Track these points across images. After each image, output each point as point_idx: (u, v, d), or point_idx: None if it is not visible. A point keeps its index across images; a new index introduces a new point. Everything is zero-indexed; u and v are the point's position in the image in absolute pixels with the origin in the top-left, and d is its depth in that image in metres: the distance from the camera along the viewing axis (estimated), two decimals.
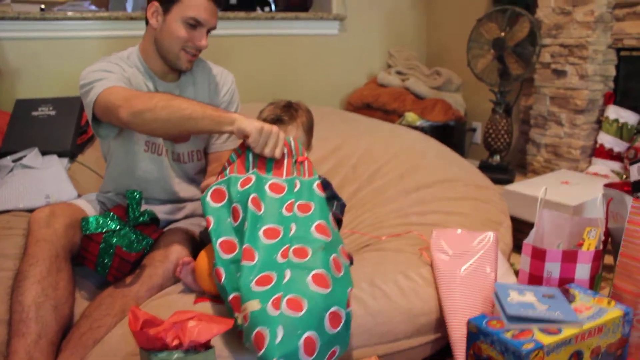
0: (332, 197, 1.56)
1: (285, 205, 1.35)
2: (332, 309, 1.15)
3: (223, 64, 1.90)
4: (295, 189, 1.39)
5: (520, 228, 2.26)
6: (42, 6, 2.88)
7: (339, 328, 1.15)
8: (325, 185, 1.58)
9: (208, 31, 1.68)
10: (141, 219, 1.54)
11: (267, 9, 3.65)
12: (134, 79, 1.67)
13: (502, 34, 2.71)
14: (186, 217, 1.81)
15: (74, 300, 1.44)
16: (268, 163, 1.43)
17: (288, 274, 1.19)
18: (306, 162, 1.47)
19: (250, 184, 1.36)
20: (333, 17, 3.47)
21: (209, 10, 1.62)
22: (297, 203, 1.36)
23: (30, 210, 1.87)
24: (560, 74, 2.73)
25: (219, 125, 1.41)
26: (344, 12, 3.51)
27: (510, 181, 2.77)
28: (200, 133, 1.64)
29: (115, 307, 1.39)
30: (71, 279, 1.44)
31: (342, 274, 1.24)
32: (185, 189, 1.81)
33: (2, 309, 1.41)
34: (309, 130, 1.63)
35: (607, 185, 1.61)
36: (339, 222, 1.55)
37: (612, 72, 2.69)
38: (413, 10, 3.80)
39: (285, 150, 1.45)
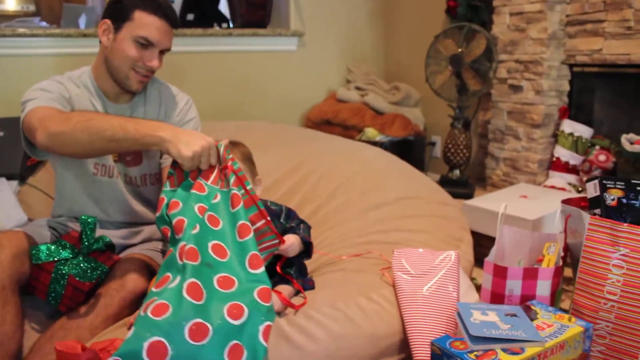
0: (299, 222, 1.56)
1: (199, 205, 1.34)
2: (197, 321, 1.12)
3: (179, 81, 1.87)
4: (214, 200, 1.36)
5: (481, 242, 2.28)
6: None
7: (203, 341, 1.12)
8: (291, 215, 1.58)
9: (162, 52, 1.63)
10: (95, 246, 1.48)
11: (224, 25, 3.62)
12: (78, 100, 1.62)
13: (460, 50, 2.74)
14: (143, 241, 1.75)
15: (22, 335, 1.37)
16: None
17: (170, 278, 1.21)
18: (232, 174, 1.41)
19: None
20: (291, 34, 3.46)
21: (161, 30, 1.58)
22: (209, 213, 1.33)
23: None
24: (517, 89, 2.78)
25: (144, 146, 1.37)
26: (302, 29, 3.51)
27: (470, 195, 2.79)
28: (128, 152, 1.62)
29: (68, 338, 1.32)
30: (19, 311, 1.36)
31: (232, 290, 1.22)
32: (143, 211, 1.75)
33: None
34: (247, 160, 1.59)
35: (565, 201, 1.62)
36: (309, 245, 1.53)
37: (566, 87, 2.75)
38: (371, 26, 3.82)
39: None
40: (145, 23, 1.56)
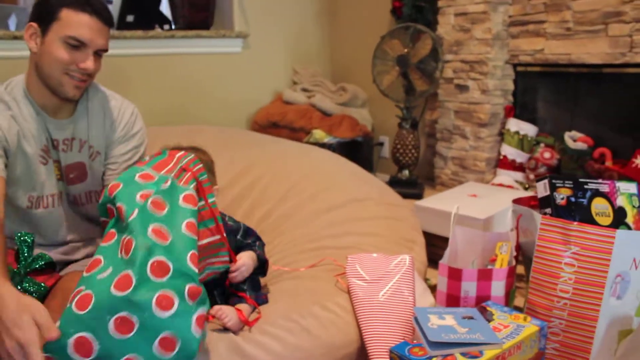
0: (255, 239, 1.52)
1: (141, 192, 1.26)
2: (122, 314, 1.08)
3: (120, 85, 1.77)
4: (163, 186, 1.29)
5: (433, 242, 2.27)
6: None
7: (130, 334, 1.09)
8: (249, 233, 1.52)
9: (98, 53, 1.50)
10: (34, 264, 1.39)
11: (166, 27, 3.52)
12: (11, 126, 1.47)
13: (406, 50, 2.74)
14: (87, 256, 1.65)
15: None
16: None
17: (101, 263, 1.17)
18: (193, 180, 1.34)
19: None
20: (235, 35, 3.39)
21: (93, 28, 1.44)
22: (154, 197, 1.26)
23: None
24: (463, 88, 2.80)
25: None
26: (246, 30, 3.44)
27: (420, 195, 2.80)
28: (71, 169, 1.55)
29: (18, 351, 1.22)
30: None
31: (163, 280, 1.14)
32: (88, 229, 1.65)
33: None
34: (206, 168, 1.49)
35: (515, 201, 1.63)
36: (264, 262, 1.50)
37: (511, 86, 2.79)
38: (317, 27, 3.79)
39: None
40: (74, 21, 1.42)
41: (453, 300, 1.49)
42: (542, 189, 1.51)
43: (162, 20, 3.54)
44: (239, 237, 1.49)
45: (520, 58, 2.68)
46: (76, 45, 1.43)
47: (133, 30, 3.07)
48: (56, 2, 1.43)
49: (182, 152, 1.41)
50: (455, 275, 1.48)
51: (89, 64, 1.46)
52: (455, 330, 1.27)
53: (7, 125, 1.46)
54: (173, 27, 3.54)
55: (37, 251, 1.46)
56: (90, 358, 1.07)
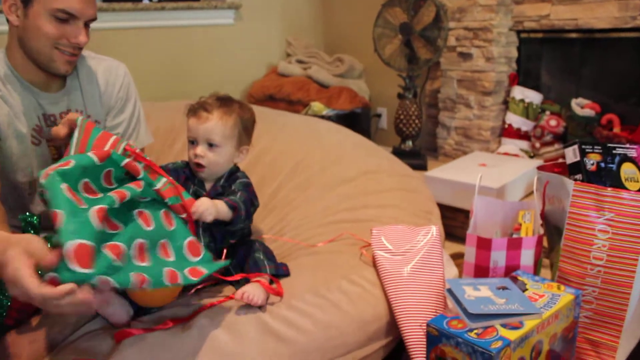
0: (242, 187, 1.40)
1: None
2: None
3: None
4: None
5: (445, 214, 2.23)
6: None
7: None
8: (236, 176, 1.43)
9: (87, 23, 1.38)
10: None
11: None
12: (5, 105, 1.36)
13: (408, 18, 2.66)
14: None
15: None
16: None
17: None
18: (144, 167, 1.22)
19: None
20: (227, 6, 3.28)
21: None
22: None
23: None
24: (466, 56, 2.74)
25: None
26: (238, 1, 3.33)
27: (424, 166, 2.75)
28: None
29: (22, 356, 1.16)
30: None
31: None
32: None
33: None
34: (241, 126, 1.40)
35: (540, 168, 1.58)
36: (235, 210, 1.32)
37: (515, 53, 2.73)
38: None
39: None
40: None
41: (482, 270, 1.45)
42: (571, 155, 1.46)
43: None
44: (221, 182, 1.41)
45: (525, 24, 2.62)
46: (65, 18, 1.32)
47: (122, 2, 2.95)
48: None
49: (115, 138, 1.25)
50: (484, 245, 1.43)
51: (81, 38, 1.36)
52: (493, 301, 1.23)
53: None
54: None
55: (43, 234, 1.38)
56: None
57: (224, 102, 1.39)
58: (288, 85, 3.22)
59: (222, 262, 1.25)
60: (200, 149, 1.35)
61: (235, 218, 1.32)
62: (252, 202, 1.40)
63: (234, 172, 1.43)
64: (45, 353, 1.17)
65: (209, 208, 1.25)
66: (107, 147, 1.21)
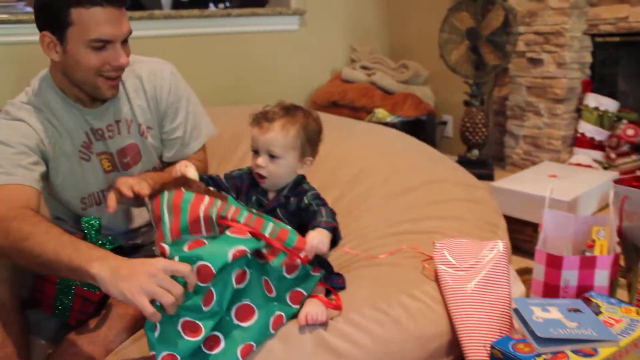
0: (316, 202, 1.34)
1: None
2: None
3: (175, 65, 1.65)
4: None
5: (512, 227, 2.14)
6: None
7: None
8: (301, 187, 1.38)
9: (125, 40, 1.36)
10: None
11: (221, 5, 3.45)
12: (51, 127, 1.39)
13: (476, 23, 2.58)
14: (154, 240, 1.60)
15: (27, 356, 1.22)
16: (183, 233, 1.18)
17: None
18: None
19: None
20: (292, 12, 3.29)
21: (112, 20, 1.29)
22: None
23: None
24: (537, 62, 2.63)
25: (78, 277, 1.10)
26: (303, 7, 3.33)
27: (490, 176, 2.66)
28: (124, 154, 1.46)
29: (80, 357, 1.18)
30: (22, 330, 1.22)
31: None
32: (145, 217, 1.59)
33: None
34: (304, 136, 1.34)
35: (617, 182, 1.49)
36: (334, 230, 1.29)
37: (589, 59, 2.61)
38: (375, 2, 3.65)
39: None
40: (90, 21, 1.27)
41: (551, 290, 1.38)
42: None
43: None
44: (285, 192, 1.36)
45: (600, 28, 2.50)
46: (102, 46, 1.31)
47: (189, 9, 3.01)
48: (61, 3, 1.26)
49: (207, 202, 1.21)
50: (554, 262, 1.36)
51: (122, 60, 1.34)
52: (564, 324, 1.15)
53: (42, 127, 1.38)
54: (228, 5, 3.47)
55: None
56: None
57: (288, 111, 1.33)
58: (352, 91, 3.19)
59: (317, 275, 1.27)
60: (261, 160, 1.32)
61: (337, 237, 1.31)
62: (332, 213, 1.34)
63: (299, 183, 1.39)
64: (102, 355, 1.19)
65: (318, 237, 1.22)
66: (201, 212, 1.17)
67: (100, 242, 1.36)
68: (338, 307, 1.24)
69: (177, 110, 1.56)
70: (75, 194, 1.46)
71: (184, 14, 2.94)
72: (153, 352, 1.02)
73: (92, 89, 1.37)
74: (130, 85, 1.50)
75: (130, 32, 1.36)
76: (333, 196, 1.95)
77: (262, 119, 1.32)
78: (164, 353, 1.03)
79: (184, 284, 1.04)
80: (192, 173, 1.32)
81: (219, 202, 1.21)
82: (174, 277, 1.03)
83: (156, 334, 1.03)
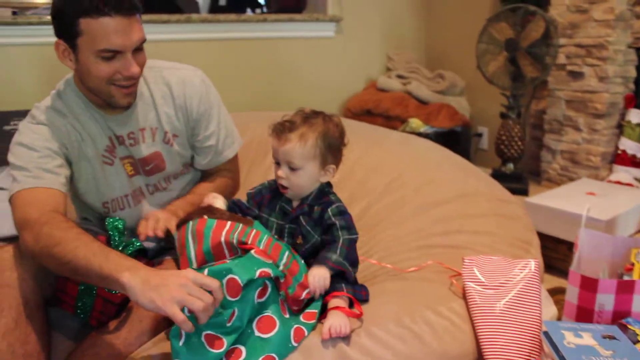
0: (342, 224, 1.31)
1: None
2: None
3: (211, 69, 1.63)
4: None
5: (545, 244, 2.08)
6: (14, 10, 2.65)
7: None
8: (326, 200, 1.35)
9: (138, 48, 1.32)
10: (125, 251, 1.33)
11: (258, 10, 3.46)
12: (74, 131, 1.40)
13: (515, 34, 2.52)
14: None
15: (48, 354, 1.23)
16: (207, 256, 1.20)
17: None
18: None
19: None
20: (329, 19, 3.28)
21: (121, 30, 1.25)
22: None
23: (3, 240, 1.65)
24: (577, 75, 2.56)
25: (108, 285, 1.11)
26: (340, 13, 3.32)
27: (525, 191, 2.59)
28: (145, 162, 1.46)
29: (100, 357, 1.17)
30: (44, 328, 1.22)
31: None
32: None
33: None
34: (323, 145, 1.30)
35: None
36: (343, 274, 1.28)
37: (633, 73, 2.53)
38: (413, 11, 3.61)
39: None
40: (98, 31, 1.23)
41: (585, 314, 1.31)
42: None
43: (254, 3, 3.48)
44: (315, 209, 1.32)
45: None
46: (111, 56, 1.28)
47: (226, 14, 3.02)
48: (70, 12, 1.24)
49: (229, 227, 1.22)
50: (589, 285, 1.30)
51: (133, 69, 1.31)
52: (597, 352, 1.10)
53: (65, 131, 1.38)
54: (265, 10, 3.48)
55: (128, 238, 1.41)
56: None
57: (306, 120, 1.30)
58: (386, 100, 3.16)
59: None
60: (282, 171, 1.30)
61: (347, 275, 1.28)
62: (350, 243, 1.30)
63: (325, 192, 1.36)
64: (122, 357, 1.18)
65: (320, 277, 1.21)
66: (222, 237, 1.18)
67: (123, 243, 1.35)
68: (359, 316, 1.21)
69: (209, 118, 1.54)
70: (97, 198, 1.46)
71: (220, 19, 2.96)
72: None
73: (106, 97, 1.36)
74: (157, 92, 1.48)
75: (144, 40, 1.33)
76: (362, 206, 1.92)
77: (279, 129, 1.29)
78: None
79: None
80: (219, 204, 1.32)
81: (239, 226, 1.21)
82: None
83: (180, 342, 1.03)
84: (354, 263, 1.32)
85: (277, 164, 1.32)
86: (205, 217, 1.21)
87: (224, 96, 1.68)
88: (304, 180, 1.31)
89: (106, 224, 1.34)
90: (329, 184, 1.38)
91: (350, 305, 1.26)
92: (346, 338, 1.17)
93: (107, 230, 1.36)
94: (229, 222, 1.20)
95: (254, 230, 1.21)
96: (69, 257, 1.11)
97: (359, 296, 1.30)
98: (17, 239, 1.32)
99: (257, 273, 1.10)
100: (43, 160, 1.31)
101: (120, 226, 1.33)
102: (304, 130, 1.27)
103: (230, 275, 1.08)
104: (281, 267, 1.19)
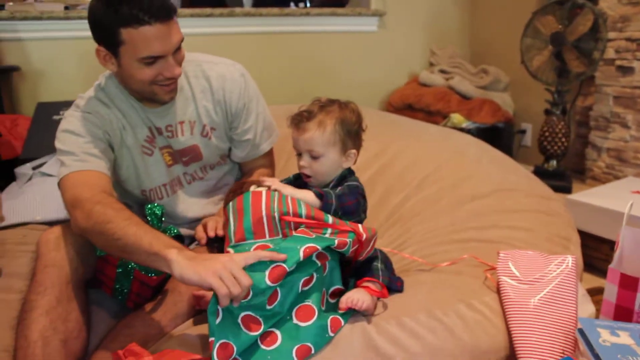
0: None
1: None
2: None
3: (254, 63, 1.66)
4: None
5: (587, 243, 2.03)
6: (66, 5, 2.73)
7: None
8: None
9: (177, 48, 1.36)
10: None
11: (301, 4, 3.47)
12: (117, 119, 1.44)
13: (561, 27, 2.46)
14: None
15: (87, 333, 1.27)
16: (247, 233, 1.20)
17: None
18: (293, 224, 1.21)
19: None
20: (372, 13, 3.27)
21: (161, 37, 1.28)
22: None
23: (49, 223, 1.71)
24: (627, 70, 2.48)
25: (154, 264, 1.13)
26: (383, 8, 3.31)
27: (568, 189, 2.53)
28: (183, 154, 1.48)
29: (135, 338, 1.21)
30: (85, 308, 1.27)
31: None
32: (205, 206, 1.61)
33: (8, 336, 1.25)
34: (342, 130, 1.32)
35: None
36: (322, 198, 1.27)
37: None
38: (456, 5, 3.57)
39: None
40: (139, 40, 1.27)
41: (624, 313, 1.27)
42: None
43: None
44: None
45: None
46: (153, 61, 1.32)
47: (269, 7, 3.05)
48: (110, 23, 1.27)
49: (266, 196, 1.23)
50: (629, 283, 1.26)
51: (175, 71, 1.35)
52: (634, 351, 1.06)
53: (108, 119, 1.43)
54: (308, 4, 3.49)
55: (166, 224, 1.44)
56: None
57: (322, 108, 1.32)
58: (428, 95, 3.13)
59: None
60: (304, 161, 1.32)
61: (324, 205, 1.27)
62: (344, 197, 1.30)
63: (345, 177, 1.37)
64: (156, 338, 1.21)
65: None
66: (263, 211, 1.19)
67: (162, 229, 1.39)
68: (384, 295, 1.23)
69: (248, 112, 1.57)
70: (137, 185, 1.50)
71: (263, 12, 2.98)
72: (212, 338, 1.04)
73: (150, 95, 1.40)
74: (197, 86, 1.51)
75: (182, 40, 1.36)
76: (399, 199, 1.91)
77: (298, 120, 1.31)
78: (222, 341, 1.04)
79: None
80: (276, 185, 1.32)
81: (276, 195, 1.22)
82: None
83: (217, 320, 1.05)
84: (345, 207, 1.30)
85: (299, 154, 1.34)
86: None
87: (265, 89, 1.70)
88: (326, 167, 1.33)
89: (145, 209, 1.37)
90: (350, 170, 1.39)
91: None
92: (373, 324, 1.17)
93: (145, 216, 1.39)
94: (264, 192, 1.22)
95: (289, 197, 1.22)
96: (120, 234, 1.15)
97: (394, 287, 1.31)
98: (61, 222, 1.38)
99: (302, 253, 1.10)
100: (89, 145, 1.36)
101: (158, 212, 1.37)
102: (321, 117, 1.30)
103: (275, 264, 1.09)
104: (328, 234, 1.19)
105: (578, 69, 2.46)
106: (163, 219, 1.40)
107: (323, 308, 1.20)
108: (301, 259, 1.10)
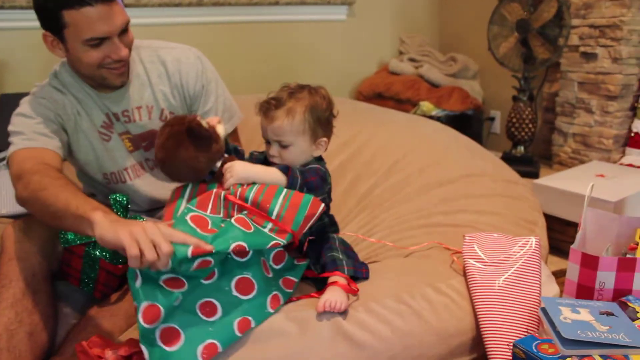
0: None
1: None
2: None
3: (222, 53, 1.65)
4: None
5: (553, 226, 2.07)
6: None
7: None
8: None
9: (123, 30, 1.34)
10: None
11: None
12: (71, 105, 1.44)
13: (526, 14, 2.49)
14: None
15: (54, 324, 1.26)
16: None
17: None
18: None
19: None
20: (341, 2, 3.27)
21: (103, 17, 1.27)
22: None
23: (15, 217, 1.68)
24: (590, 57, 2.52)
25: (80, 227, 1.10)
26: None
27: (535, 174, 2.57)
28: (142, 139, 1.47)
29: (102, 328, 1.20)
30: (51, 300, 1.25)
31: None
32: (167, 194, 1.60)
33: None
34: (312, 118, 1.28)
35: None
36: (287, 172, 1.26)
37: None
38: None
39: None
40: (81, 21, 1.26)
41: (585, 291, 1.30)
42: None
43: None
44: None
45: None
46: (98, 42, 1.31)
47: None
48: (53, 6, 1.27)
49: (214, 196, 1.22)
50: (589, 263, 1.29)
51: (121, 52, 1.34)
52: (594, 327, 1.09)
53: (62, 104, 1.43)
54: None
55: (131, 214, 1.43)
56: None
57: (291, 95, 1.28)
58: (398, 83, 3.15)
59: (304, 263, 1.25)
60: (273, 150, 1.29)
61: (290, 180, 1.24)
62: (307, 173, 1.28)
63: (308, 163, 1.34)
64: (123, 327, 1.21)
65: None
66: (209, 209, 1.18)
67: (127, 218, 1.38)
68: (354, 292, 1.22)
69: (207, 94, 1.56)
70: (97, 169, 1.50)
71: (232, 2, 2.96)
72: (135, 303, 1.01)
73: (100, 80, 1.39)
74: (153, 71, 1.50)
75: (128, 21, 1.35)
76: (367, 186, 1.92)
77: (266, 107, 1.28)
78: (146, 303, 1.01)
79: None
80: (220, 130, 1.27)
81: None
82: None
83: (137, 283, 1.02)
84: (308, 183, 1.27)
85: (268, 142, 1.31)
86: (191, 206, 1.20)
87: (235, 79, 1.69)
88: (295, 156, 1.30)
89: (110, 199, 1.36)
90: (320, 158, 1.37)
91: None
92: (343, 313, 1.17)
93: (110, 206, 1.38)
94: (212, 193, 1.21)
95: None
96: (52, 200, 1.14)
97: (359, 274, 1.30)
98: (23, 216, 1.36)
99: (231, 248, 1.08)
100: (39, 126, 1.36)
101: (123, 202, 1.36)
102: (290, 105, 1.26)
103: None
104: (280, 200, 1.18)
105: (543, 55, 2.50)
106: (129, 206, 1.38)
107: (270, 275, 1.19)
108: (229, 251, 1.08)
